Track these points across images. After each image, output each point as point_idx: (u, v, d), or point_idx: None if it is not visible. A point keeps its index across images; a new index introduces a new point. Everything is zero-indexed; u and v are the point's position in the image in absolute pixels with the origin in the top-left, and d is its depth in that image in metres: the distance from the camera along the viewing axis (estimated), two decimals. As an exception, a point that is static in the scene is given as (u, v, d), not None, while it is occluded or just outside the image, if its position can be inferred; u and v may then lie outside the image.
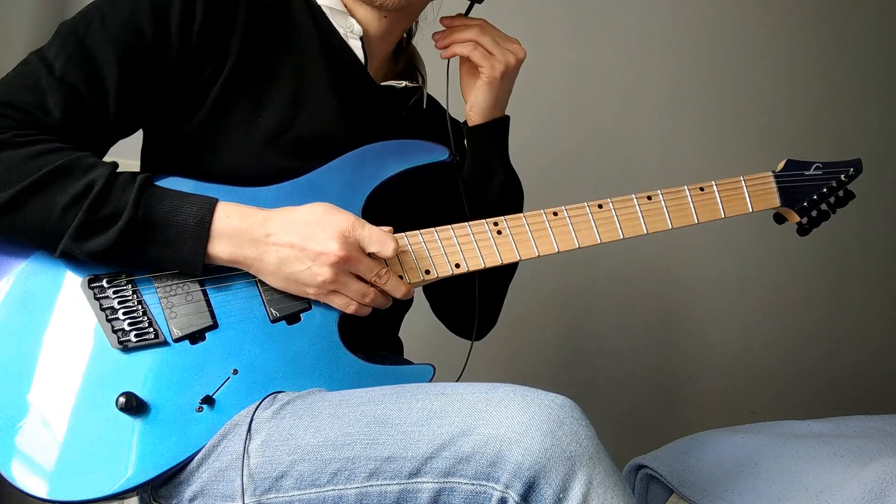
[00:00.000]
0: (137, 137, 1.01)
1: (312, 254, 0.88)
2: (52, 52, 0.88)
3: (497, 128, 1.11)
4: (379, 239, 0.90)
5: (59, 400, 0.84)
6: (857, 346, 2.32)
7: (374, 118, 1.05)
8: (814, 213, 1.10)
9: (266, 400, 0.88)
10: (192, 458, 0.86)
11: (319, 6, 1.01)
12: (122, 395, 0.84)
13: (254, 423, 0.85)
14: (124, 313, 0.87)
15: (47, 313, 0.87)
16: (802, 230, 1.11)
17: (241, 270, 0.90)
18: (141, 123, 0.97)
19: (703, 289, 2.22)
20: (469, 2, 1.09)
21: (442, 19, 1.08)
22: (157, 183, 0.89)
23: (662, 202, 1.03)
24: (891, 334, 2.34)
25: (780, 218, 1.12)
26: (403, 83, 1.07)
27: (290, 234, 0.88)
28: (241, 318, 0.91)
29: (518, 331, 2.03)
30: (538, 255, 1.00)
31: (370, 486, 0.80)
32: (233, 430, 0.86)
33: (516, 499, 0.75)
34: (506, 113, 1.12)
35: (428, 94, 1.15)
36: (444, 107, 1.15)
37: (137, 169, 1.00)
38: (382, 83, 1.06)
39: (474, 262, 0.98)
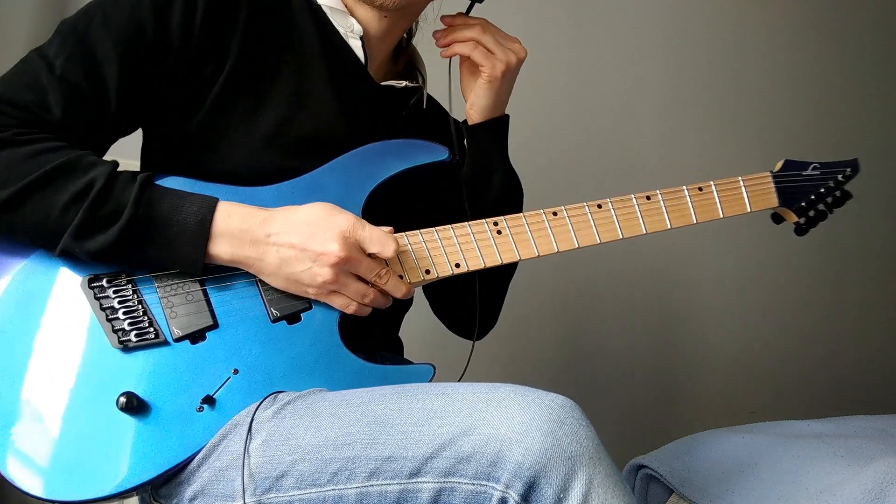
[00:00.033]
0: (137, 137, 1.01)
1: (313, 254, 0.88)
2: (52, 49, 0.87)
3: (497, 127, 1.11)
4: (380, 240, 0.91)
5: (59, 400, 0.84)
6: (857, 346, 2.31)
7: (375, 118, 1.05)
8: (811, 213, 1.11)
9: (267, 400, 0.88)
10: (193, 458, 0.86)
11: (320, 6, 1.01)
12: (122, 394, 0.84)
13: (254, 422, 0.85)
14: (124, 313, 0.87)
15: (47, 313, 0.87)
16: (800, 230, 1.12)
17: (242, 270, 0.90)
18: (141, 122, 0.97)
19: (703, 289, 2.22)
20: (470, 1, 1.09)
21: (443, 18, 1.08)
22: (157, 182, 0.89)
23: (661, 202, 1.03)
24: (891, 334, 2.34)
25: (778, 218, 1.13)
26: (403, 83, 1.07)
27: (290, 235, 0.88)
28: (242, 317, 0.91)
29: (518, 331, 2.03)
30: (538, 255, 1.00)
31: (370, 485, 0.80)
32: (233, 430, 0.86)
33: (517, 499, 0.75)
34: (506, 112, 1.12)
35: (428, 94, 1.15)
36: (446, 107, 1.15)
37: (137, 169, 0.99)
38: (382, 83, 1.06)
39: (474, 261, 0.98)
